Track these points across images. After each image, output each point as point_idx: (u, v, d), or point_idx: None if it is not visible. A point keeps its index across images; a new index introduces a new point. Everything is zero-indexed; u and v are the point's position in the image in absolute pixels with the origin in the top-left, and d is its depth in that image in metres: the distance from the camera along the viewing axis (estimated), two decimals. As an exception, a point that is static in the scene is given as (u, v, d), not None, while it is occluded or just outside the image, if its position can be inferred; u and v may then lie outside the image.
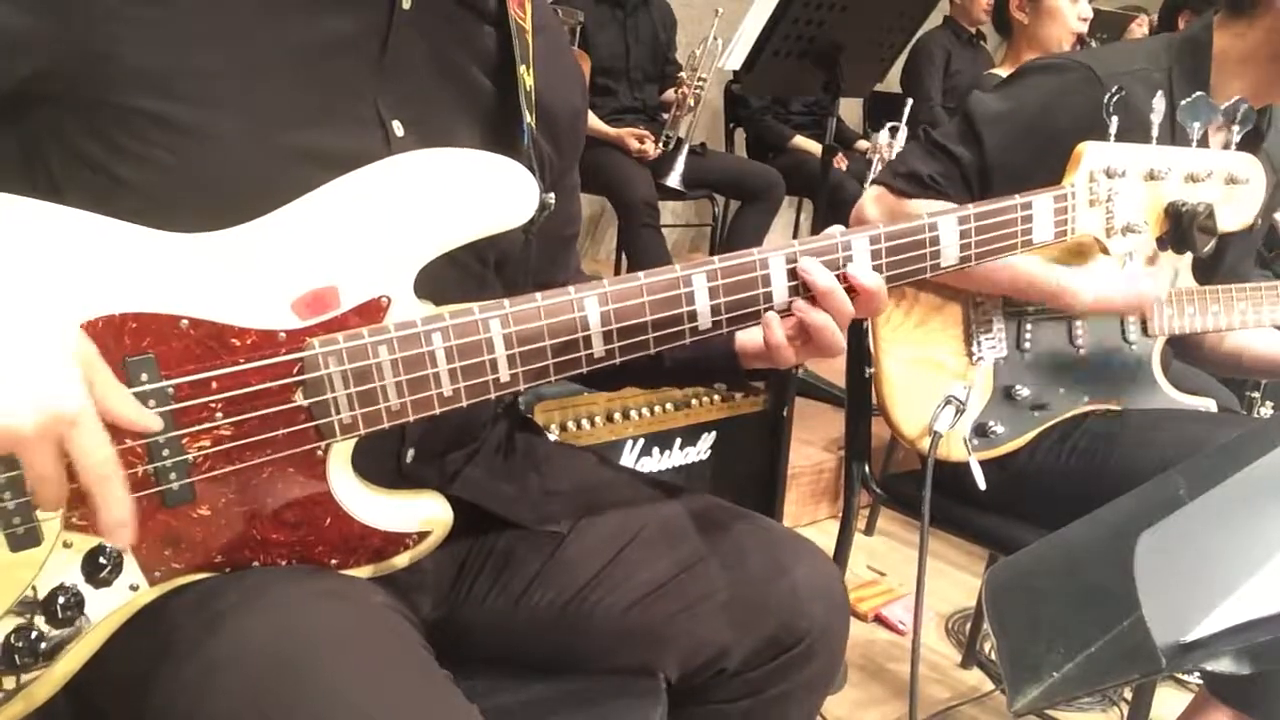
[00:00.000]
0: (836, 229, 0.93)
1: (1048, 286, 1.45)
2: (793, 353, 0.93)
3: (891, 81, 3.87)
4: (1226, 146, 1.12)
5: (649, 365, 0.99)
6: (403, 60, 0.90)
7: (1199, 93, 1.07)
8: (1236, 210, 1.10)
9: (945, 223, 0.96)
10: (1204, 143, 1.10)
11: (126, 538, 0.71)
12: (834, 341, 0.92)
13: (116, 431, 0.70)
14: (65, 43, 0.77)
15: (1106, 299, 1.44)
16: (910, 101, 3.64)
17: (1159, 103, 1.06)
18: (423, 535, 0.89)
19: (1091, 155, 1.03)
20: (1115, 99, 1.05)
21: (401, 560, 0.89)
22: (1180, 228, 1.06)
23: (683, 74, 3.78)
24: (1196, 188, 1.07)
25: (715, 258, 0.90)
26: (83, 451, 0.67)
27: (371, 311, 0.82)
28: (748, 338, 1.01)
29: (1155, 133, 1.06)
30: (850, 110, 4.51)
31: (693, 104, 3.71)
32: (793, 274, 0.91)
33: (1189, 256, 1.63)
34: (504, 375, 0.85)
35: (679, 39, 4.06)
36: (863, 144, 4.44)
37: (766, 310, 0.92)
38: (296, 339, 0.79)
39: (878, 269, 0.94)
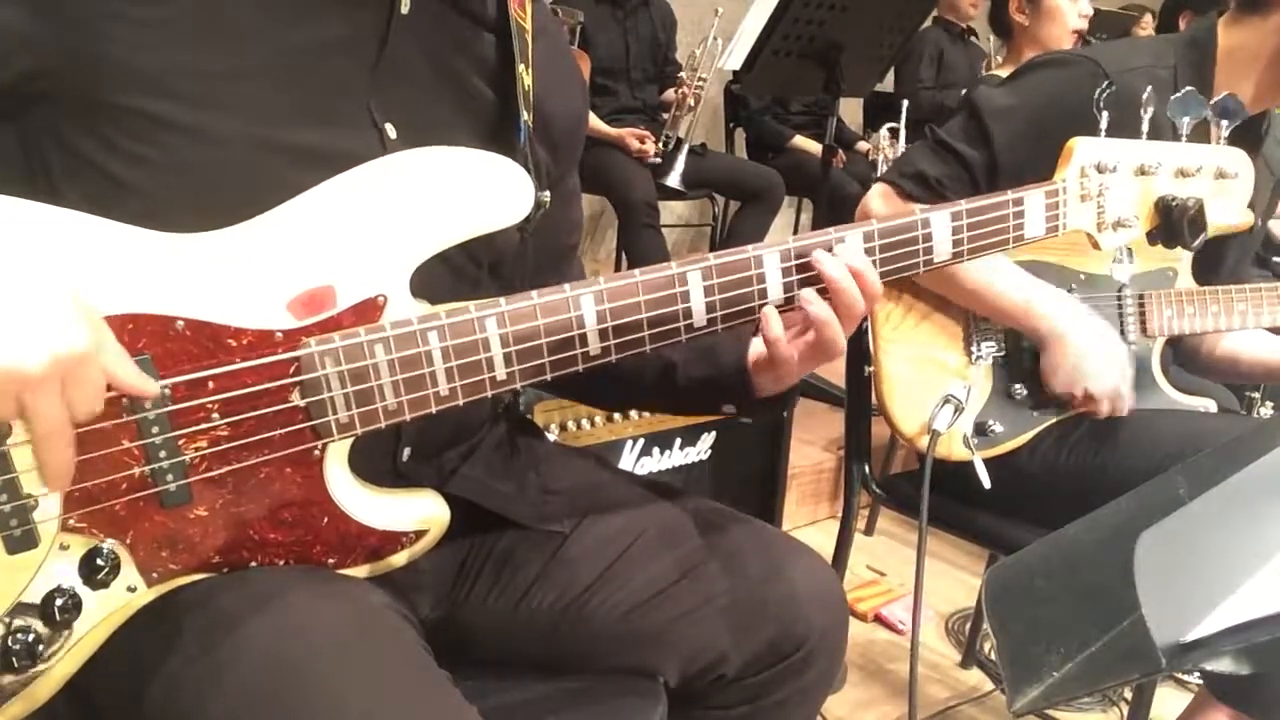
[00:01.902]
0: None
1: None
2: (794, 351, 0.93)
3: (891, 81, 3.88)
4: (1216, 141, 1.12)
5: (660, 384, 1.01)
6: (399, 64, 0.90)
7: (1188, 88, 1.07)
8: (1226, 205, 1.10)
9: (938, 218, 0.96)
10: (1202, 138, 1.09)
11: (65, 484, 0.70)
12: (835, 338, 0.92)
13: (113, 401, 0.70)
14: (63, 42, 0.76)
15: (1074, 345, 1.45)
16: (905, 103, 3.63)
17: (1149, 98, 1.06)
18: (420, 534, 0.88)
19: (1082, 150, 1.03)
20: (1105, 94, 1.05)
21: (399, 559, 0.89)
22: (1170, 222, 1.06)
23: (683, 74, 3.79)
24: (1187, 183, 1.07)
25: (710, 255, 0.90)
26: (82, 391, 0.66)
27: (368, 311, 0.81)
28: (757, 352, 1.00)
29: (1145, 128, 1.06)
30: (850, 110, 4.51)
31: (693, 104, 3.72)
32: (787, 271, 0.91)
33: (1189, 256, 1.63)
34: (500, 374, 0.85)
35: (679, 39, 4.06)
36: (863, 144, 4.44)
37: (761, 306, 0.91)
38: (293, 339, 0.79)
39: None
